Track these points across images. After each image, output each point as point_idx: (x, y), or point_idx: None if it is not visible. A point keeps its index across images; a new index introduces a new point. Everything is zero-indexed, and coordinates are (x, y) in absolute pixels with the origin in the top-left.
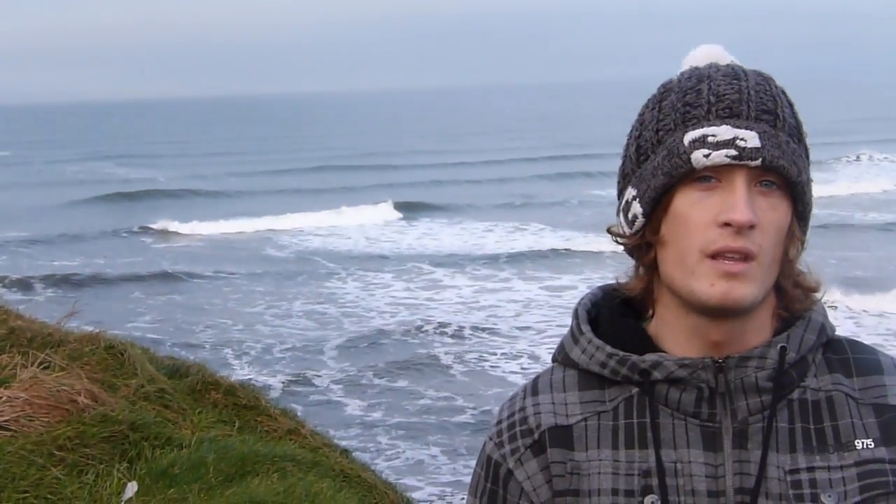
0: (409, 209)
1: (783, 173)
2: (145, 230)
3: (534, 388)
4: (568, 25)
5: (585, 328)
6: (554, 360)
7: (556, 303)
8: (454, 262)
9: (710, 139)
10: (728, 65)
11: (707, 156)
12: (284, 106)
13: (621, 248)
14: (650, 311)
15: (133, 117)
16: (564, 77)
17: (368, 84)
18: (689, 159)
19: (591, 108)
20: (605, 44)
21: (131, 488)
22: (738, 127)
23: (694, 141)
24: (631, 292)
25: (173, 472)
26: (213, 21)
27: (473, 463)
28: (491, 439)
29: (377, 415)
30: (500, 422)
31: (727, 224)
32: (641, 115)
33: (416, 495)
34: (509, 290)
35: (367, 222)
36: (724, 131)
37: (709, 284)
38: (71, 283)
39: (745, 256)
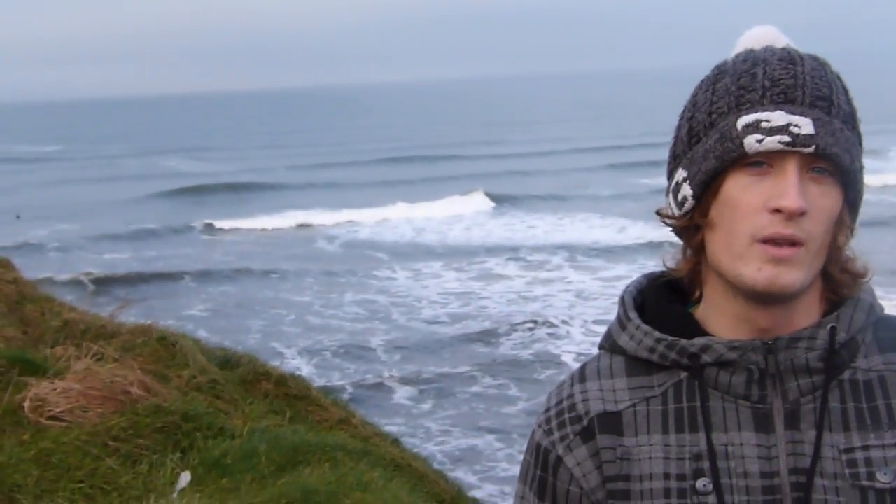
0: (501, 199)
1: (836, 161)
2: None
3: (581, 375)
4: (599, 15)
5: (633, 314)
6: (601, 347)
7: None
8: (571, 252)
9: (763, 124)
10: (784, 48)
11: (760, 141)
12: (322, 99)
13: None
14: (696, 294)
15: (177, 112)
16: (601, 66)
17: (394, 76)
18: (742, 144)
19: (643, 97)
20: (647, 32)
21: (185, 478)
22: (793, 113)
23: (747, 125)
24: (678, 274)
25: (226, 462)
26: (234, 18)
27: None
28: (540, 426)
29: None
30: (548, 409)
31: (778, 210)
32: (694, 96)
33: None
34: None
35: (462, 212)
36: (777, 117)
37: (756, 269)
38: (124, 279)
39: (794, 242)
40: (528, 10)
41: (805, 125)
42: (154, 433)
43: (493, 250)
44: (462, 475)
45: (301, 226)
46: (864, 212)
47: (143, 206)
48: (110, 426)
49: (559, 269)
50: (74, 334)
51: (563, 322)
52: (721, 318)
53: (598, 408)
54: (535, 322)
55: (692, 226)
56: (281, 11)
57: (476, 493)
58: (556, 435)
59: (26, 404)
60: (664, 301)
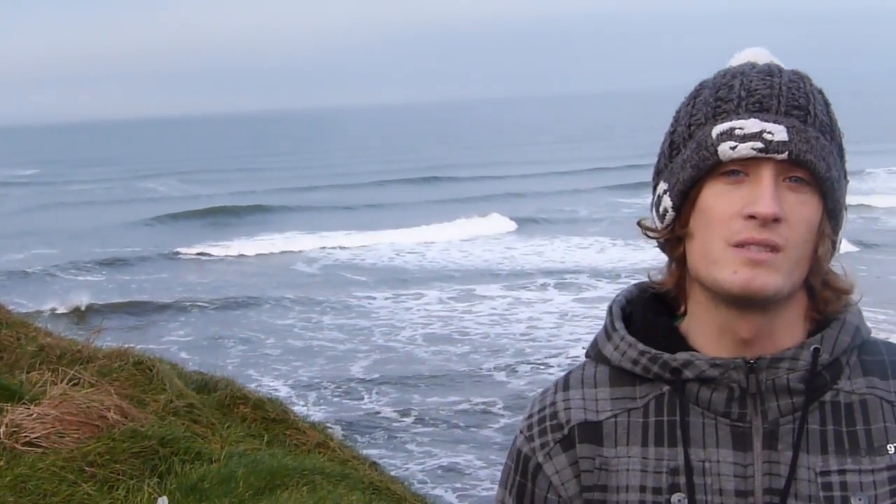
0: (521, 221)
1: (811, 168)
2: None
3: (565, 383)
4: (595, 33)
5: (619, 325)
6: (587, 355)
7: None
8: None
9: (737, 132)
10: (766, 63)
11: (733, 148)
12: (313, 121)
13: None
14: (682, 308)
15: (158, 135)
16: (591, 87)
17: (383, 98)
18: (716, 151)
19: (638, 117)
20: (643, 52)
21: (162, 503)
22: (767, 120)
23: (721, 133)
24: (662, 288)
25: (203, 487)
26: (214, 40)
27: None
28: (522, 433)
29: None
30: (530, 416)
31: (752, 217)
32: (678, 111)
33: None
34: None
35: (482, 234)
36: (751, 124)
37: (732, 272)
38: (103, 306)
39: (772, 248)
40: (504, 31)
41: (779, 132)
42: (131, 458)
43: (533, 274)
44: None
45: (323, 248)
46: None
47: (122, 231)
48: (87, 451)
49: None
50: (50, 359)
51: None
52: (704, 331)
53: (579, 417)
54: None
55: (674, 238)
56: (253, 35)
57: None
58: (537, 442)
59: (1, 430)
60: (651, 312)
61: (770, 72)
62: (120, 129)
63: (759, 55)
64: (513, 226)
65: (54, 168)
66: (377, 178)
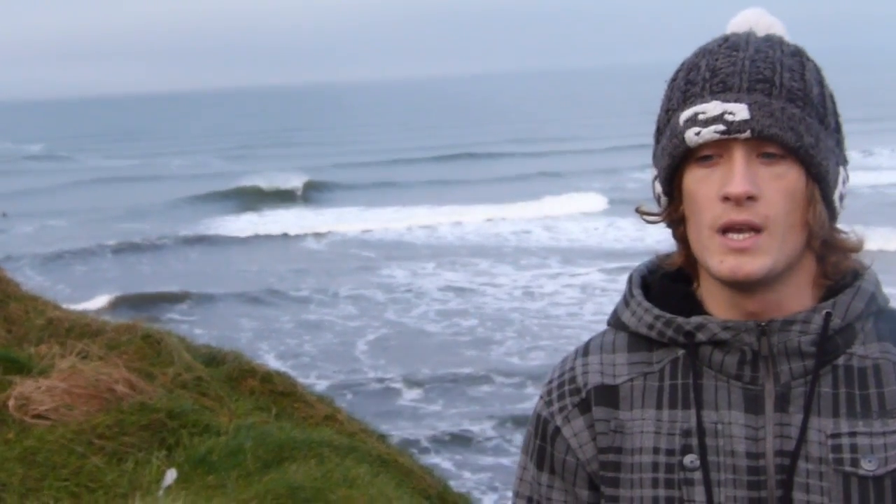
0: (615, 201)
1: (779, 141)
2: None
3: (585, 349)
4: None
5: (636, 291)
6: (608, 323)
7: None
8: None
9: (700, 116)
10: (734, 34)
11: (698, 133)
12: (342, 95)
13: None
14: (696, 284)
15: (167, 110)
16: (615, 60)
17: (379, 73)
18: (684, 139)
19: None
20: (662, 25)
21: (171, 475)
22: (728, 101)
23: (687, 120)
24: (672, 267)
25: (212, 459)
26: (225, 16)
27: None
28: (542, 398)
29: None
30: (550, 381)
31: (727, 198)
32: (664, 92)
33: None
34: None
35: (577, 212)
36: (713, 107)
37: (718, 261)
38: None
39: (753, 229)
40: (515, 6)
41: (739, 111)
42: (139, 431)
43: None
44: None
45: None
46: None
47: (134, 210)
48: (95, 424)
49: None
50: (59, 332)
51: None
52: (716, 302)
53: (596, 380)
54: None
55: (674, 220)
56: (261, 11)
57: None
58: (556, 406)
59: (11, 403)
60: (669, 280)
61: (736, 45)
62: (130, 103)
63: (752, 18)
64: (604, 203)
65: (79, 143)
66: (449, 151)
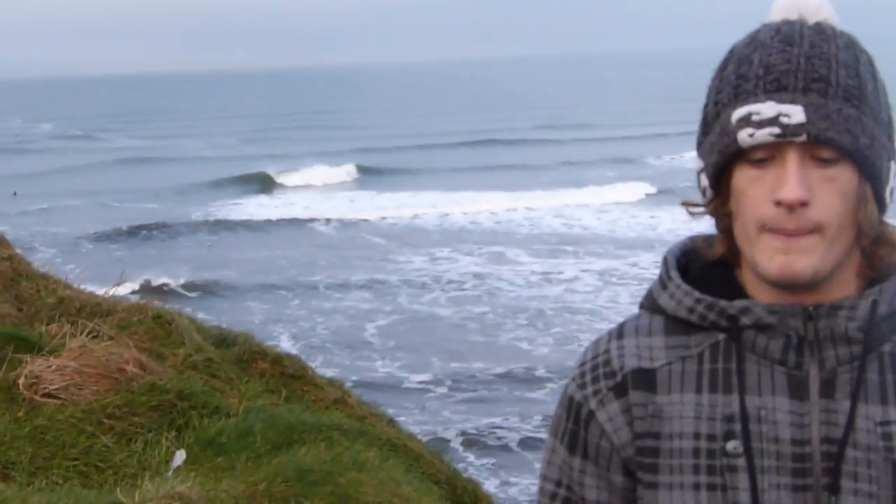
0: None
1: (835, 145)
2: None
3: (619, 332)
4: None
5: (674, 274)
6: (641, 306)
7: None
8: None
9: (754, 117)
10: (786, 23)
11: (752, 135)
12: (352, 78)
13: None
14: (737, 269)
15: (173, 90)
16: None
17: (387, 57)
18: (736, 139)
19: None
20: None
21: (180, 456)
22: (783, 102)
23: (740, 119)
24: (713, 256)
25: (221, 441)
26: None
27: None
28: (574, 381)
29: None
30: (583, 363)
31: (780, 203)
32: (711, 81)
33: None
34: None
35: (616, 200)
36: (768, 108)
37: (768, 259)
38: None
39: (805, 232)
40: None
41: (796, 113)
42: (149, 411)
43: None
44: None
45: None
46: None
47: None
48: (105, 404)
49: None
50: (70, 312)
51: None
52: (759, 285)
53: (632, 364)
54: None
55: (719, 213)
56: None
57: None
58: (590, 389)
59: (21, 381)
60: (709, 263)
61: (790, 39)
62: (136, 83)
63: (803, 1)
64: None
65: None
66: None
